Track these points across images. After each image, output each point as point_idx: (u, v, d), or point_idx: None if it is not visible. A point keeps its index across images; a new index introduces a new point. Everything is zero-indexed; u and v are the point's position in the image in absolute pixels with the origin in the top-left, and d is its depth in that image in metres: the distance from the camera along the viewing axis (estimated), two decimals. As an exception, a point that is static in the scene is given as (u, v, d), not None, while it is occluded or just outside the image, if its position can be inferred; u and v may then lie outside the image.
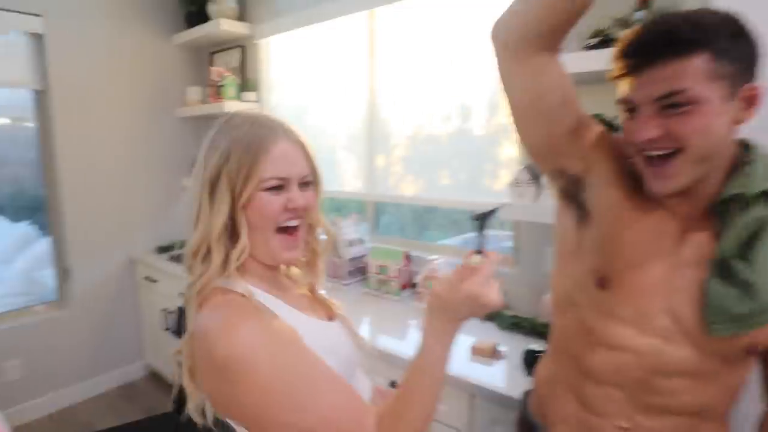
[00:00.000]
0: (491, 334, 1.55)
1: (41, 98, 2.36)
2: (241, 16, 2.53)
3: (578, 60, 1.30)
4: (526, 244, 1.71)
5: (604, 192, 0.77)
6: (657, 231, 0.74)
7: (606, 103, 1.31)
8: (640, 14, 1.27)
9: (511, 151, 1.76)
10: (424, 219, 2.46)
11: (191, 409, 0.71)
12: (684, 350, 0.72)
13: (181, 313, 1.92)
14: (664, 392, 0.74)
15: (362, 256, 2.10)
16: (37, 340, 2.39)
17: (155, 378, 2.75)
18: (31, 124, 2.41)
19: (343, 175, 2.32)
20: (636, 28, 0.69)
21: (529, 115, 0.78)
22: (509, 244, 1.79)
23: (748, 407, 0.84)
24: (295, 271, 0.86)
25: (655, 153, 0.68)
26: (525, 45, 0.72)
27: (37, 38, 2.28)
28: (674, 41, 0.64)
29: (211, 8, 2.46)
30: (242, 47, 2.62)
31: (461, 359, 1.40)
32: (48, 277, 2.55)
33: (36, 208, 2.63)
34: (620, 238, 0.75)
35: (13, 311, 2.40)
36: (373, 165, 2.17)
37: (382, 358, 1.44)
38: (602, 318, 0.77)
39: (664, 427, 0.76)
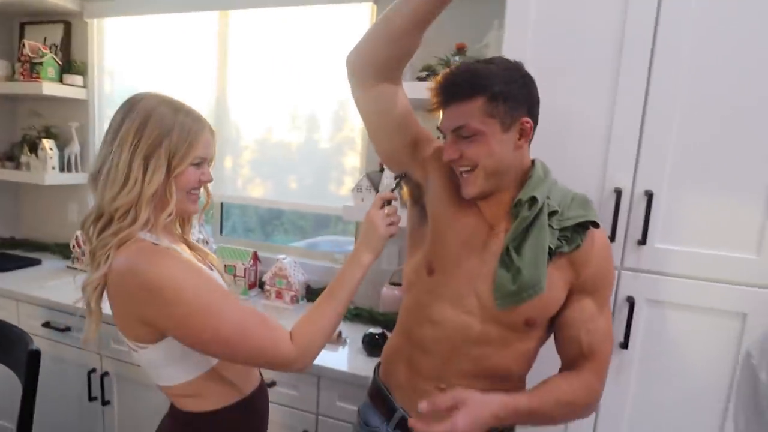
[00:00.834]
0: (335, 324, 1.71)
1: None
2: (66, -12, 2.25)
3: (411, 88, 1.55)
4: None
5: (436, 197, 0.96)
6: (472, 229, 0.92)
7: (431, 128, 1.62)
8: (456, 58, 1.59)
9: (354, 160, 1.97)
10: (270, 224, 2.52)
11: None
12: (485, 324, 0.90)
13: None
14: (472, 358, 0.92)
15: (207, 257, 2.06)
16: None
17: None
18: None
19: (186, 174, 2.23)
20: (446, 71, 0.90)
21: (376, 130, 0.98)
22: (352, 246, 1.99)
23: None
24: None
25: (459, 169, 0.89)
26: (369, 76, 0.90)
27: None
28: (462, 88, 0.84)
29: (27, -27, 2.13)
30: (67, 23, 2.31)
31: (308, 347, 1.52)
32: None
33: None
34: (444, 234, 0.94)
35: None
36: (220, 165, 2.16)
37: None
38: (430, 298, 0.95)
39: (470, 387, 0.93)
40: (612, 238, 1.12)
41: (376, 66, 0.89)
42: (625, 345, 1.15)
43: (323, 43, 1.95)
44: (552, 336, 0.96)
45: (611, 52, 1.11)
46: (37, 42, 2.21)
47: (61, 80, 2.23)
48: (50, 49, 2.25)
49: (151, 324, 0.81)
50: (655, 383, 1.17)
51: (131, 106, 0.86)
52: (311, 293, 1.94)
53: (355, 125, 1.95)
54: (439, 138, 1.01)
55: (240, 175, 2.16)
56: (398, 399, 1.00)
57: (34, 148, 2.25)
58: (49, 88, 2.14)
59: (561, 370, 0.94)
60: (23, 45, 2.14)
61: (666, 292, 1.13)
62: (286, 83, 2.02)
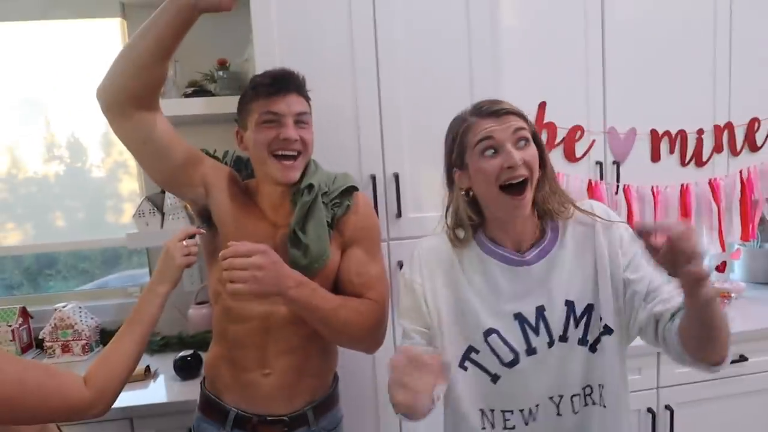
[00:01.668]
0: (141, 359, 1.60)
1: None
2: None
3: (178, 105, 1.56)
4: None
5: (222, 210, 1.03)
6: (259, 231, 1.01)
7: (206, 140, 1.64)
8: (220, 72, 1.64)
9: (132, 184, 1.84)
10: (41, 275, 2.14)
11: None
12: (282, 307, 0.99)
13: None
14: (284, 338, 1.01)
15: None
16: None
17: None
18: None
19: None
20: (269, 70, 1.01)
21: (142, 156, 1.00)
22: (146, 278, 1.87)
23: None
24: None
25: (286, 152, 0.98)
26: (124, 107, 0.92)
27: None
28: (300, 82, 1.01)
29: None
30: None
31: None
32: None
33: None
34: (235, 240, 0.99)
35: None
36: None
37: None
38: (235, 301, 1.01)
39: (291, 362, 1.03)
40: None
41: (129, 97, 0.91)
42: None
43: (74, 61, 1.76)
44: None
45: (346, 63, 1.33)
46: None
47: None
48: None
49: None
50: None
51: None
52: (106, 336, 1.76)
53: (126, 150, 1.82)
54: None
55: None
56: (229, 401, 1.05)
57: None
58: None
59: None
60: None
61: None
62: (37, 106, 1.76)
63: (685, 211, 1.76)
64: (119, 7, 1.72)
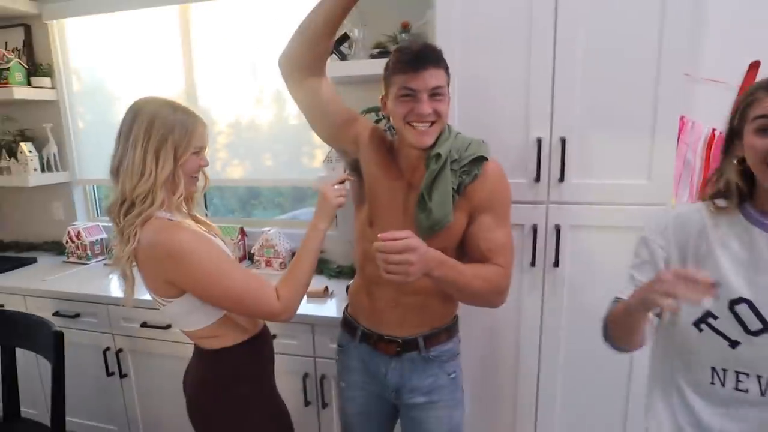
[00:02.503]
0: (322, 282, 1.95)
1: None
2: (21, -9, 2.30)
3: (366, 66, 1.76)
4: (339, 211, 2.15)
5: (368, 164, 1.17)
6: (396, 186, 1.15)
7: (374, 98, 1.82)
8: (403, 35, 1.79)
9: (322, 135, 2.16)
10: (249, 203, 2.69)
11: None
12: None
13: None
14: (411, 282, 1.12)
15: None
16: None
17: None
18: None
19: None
20: (407, 43, 1.09)
21: (311, 116, 1.19)
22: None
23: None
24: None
25: (421, 124, 1.05)
26: (296, 73, 1.11)
27: None
28: (437, 55, 1.05)
29: (-20, -20, 2.17)
30: (26, 26, 2.37)
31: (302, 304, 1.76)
32: None
33: None
34: (377, 193, 1.17)
35: None
36: (197, 151, 2.31)
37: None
38: (371, 244, 1.18)
39: (415, 301, 1.18)
40: (537, 178, 1.38)
41: (301, 65, 1.09)
42: (556, 263, 1.44)
43: (281, 27, 2.09)
44: None
45: (523, 24, 1.34)
46: (-3, 47, 2.27)
47: (29, 83, 2.31)
48: (14, 53, 2.31)
49: (174, 283, 1.04)
50: (583, 293, 1.45)
51: (138, 110, 1.06)
52: (296, 258, 2.17)
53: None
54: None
55: (218, 159, 2.32)
56: (362, 322, 1.26)
57: (11, 152, 2.35)
58: (19, 92, 2.22)
59: None
60: (-15, 51, 2.20)
61: (583, 217, 1.41)
62: (250, 67, 2.17)
63: None
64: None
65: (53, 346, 1.50)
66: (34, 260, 2.39)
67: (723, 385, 0.88)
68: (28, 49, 2.38)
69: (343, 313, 1.36)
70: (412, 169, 1.15)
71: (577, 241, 1.43)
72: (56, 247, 2.50)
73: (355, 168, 1.24)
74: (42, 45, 2.40)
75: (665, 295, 0.73)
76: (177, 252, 1.00)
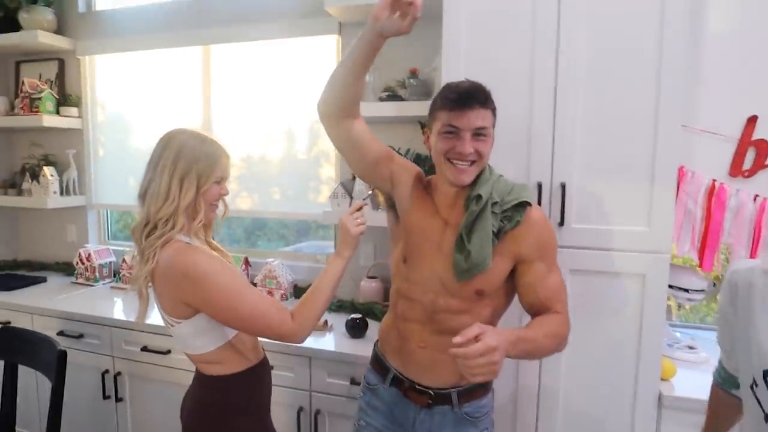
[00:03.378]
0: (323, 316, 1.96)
1: None
2: (59, 29, 2.47)
3: (375, 108, 1.83)
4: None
5: (403, 202, 1.19)
6: (432, 225, 1.15)
7: (393, 138, 1.90)
8: (411, 80, 1.87)
9: (329, 171, 2.23)
10: (253, 234, 2.75)
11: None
12: (446, 298, 1.12)
13: None
14: (440, 322, 1.13)
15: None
16: None
17: None
18: None
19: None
20: (457, 82, 1.09)
21: (347, 154, 1.23)
22: (331, 249, 2.24)
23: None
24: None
25: (461, 162, 1.07)
26: (332, 116, 1.14)
27: None
28: (486, 96, 1.06)
29: (23, 17, 2.34)
30: (60, 60, 2.53)
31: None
32: None
33: None
34: (412, 231, 1.17)
35: None
36: (210, 182, 2.38)
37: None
38: (406, 283, 1.18)
39: (445, 342, 1.11)
40: (536, 221, 1.41)
41: (337, 108, 1.12)
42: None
43: (295, 69, 2.22)
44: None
45: (525, 75, 1.41)
46: (33, 78, 2.42)
47: (58, 112, 2.44)
48: (47, 84, 2.45)
49: (189, 303, 1.07)
50: (582, 335, 1.42)
51: (168, 140, 1.13)
52: (298, 291, 2.19)
53: (329, 141, 2.20)
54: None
55: (229, 190, 2.38)
56: (392, 362, 1.22)
57: (34, 175, 2.45)
58: (49, 120, 2.35)
59: None
60: (23, 82, 2.35)
61: (584, 262, 1.42)
62: (264, 106, 2.28)
63: None
64: (337, 26, 2.09)
65: (56, 365, 1.52)
66: (44, 279, 2.44)
67: None
68: (59, 80, 2.53)
69: (374, 349, 1.31)
70: (449, 206, 1.16)
71: (576, 286, 1.43)
72: (67, 268, 2.56)
73: (391, 205, 1.26)
74: (73, 77, 2.56)
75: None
76: (192, 272, 1.04)
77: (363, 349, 1.64)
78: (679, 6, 1.30)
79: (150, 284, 1.11)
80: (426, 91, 1.86)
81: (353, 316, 1.79)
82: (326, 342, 1.74)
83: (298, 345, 1.63)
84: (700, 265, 1.62)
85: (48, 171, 2.42)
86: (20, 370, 1.71)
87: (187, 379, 1.24)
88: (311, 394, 1.70)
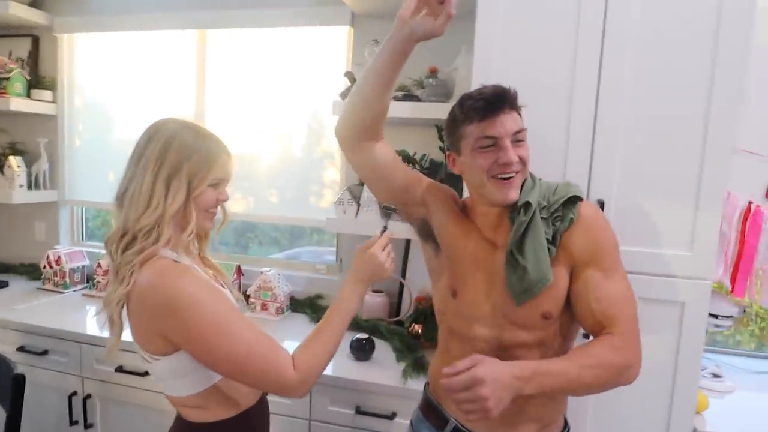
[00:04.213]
0: (321, 331, 1.79)
1: None
2: (35, 2, 2.22)
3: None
4: (349, 254, 2.03)
5: (443, 228, 1.06)
6: (479, 249, 1.01)
7: (407, 142, 1.76)
8: (430, 80, 1.73)
9: (334, 174, 2.07)
10: (243, 236, 2.56)
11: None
12: (510, 331, 0.97)
13: None
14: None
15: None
16: None
17: None
18: None
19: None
20: (477, 89, 0.97)
21: (371, 181, 1.11)
22: (332, 256, 2.08)
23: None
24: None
25: (504, 174, 0.93)
26: (353, 139, 1.04)
27: None
28: (513, 98, 0.94)
29: (-7, -13, 2.09)
30: (35, 38, 2.28)
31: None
32: None
33: None
34: (458, 259, 1.02)
35: None
36: (199, 180, 2.19)
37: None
38: (459, 320, 1.03)
39: None
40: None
41: (357, 129, 1.02)
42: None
43: (300, 61, 2.04)
44: None
45: (565, 84, 1.28)
46: (1, 56, 2.17)
47: (29, 95, 2.19)
48: (17, 63, 2.21)
49: (167, 338, 0.87)
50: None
51: (156, 130, 0.93)
52: (295, 304, 2.01)
53: (334, 141, 2.04)
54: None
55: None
56: (451, 411, 1.05)
57: (-1, 165, 2.20)
58: (17, 103, 2.10)
59: None
60: (-13, 59, 2.10)
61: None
62: (263, 100, 2.09)
63: None
64: (350, 16, 1.93)
65: (11, 391, 1.31)
66: (5, 284, 2.18)
67: None
68: (32, 60, 2.28)
69: (425, 393, 1.15)
70: (494, 227, 1.02)
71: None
72: (33, 271, 2.30)
73: (427, 234, 1.11)
74: (48, 57, 2.31)
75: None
76: (174, 301, 0.83)
77: (370, 373, 1.50)
78: (735, 17, 1.19)
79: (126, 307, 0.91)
80: (445, 92, 1.72)
81: (358, 336, 1.63)
82: (328, 367, 1.58)
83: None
84: (732, 291, 1.53)
85: (14, 161, 2.17)
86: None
87: (169, 405, 1.04)
88: (311, 423, 1.53)
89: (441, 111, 1.68)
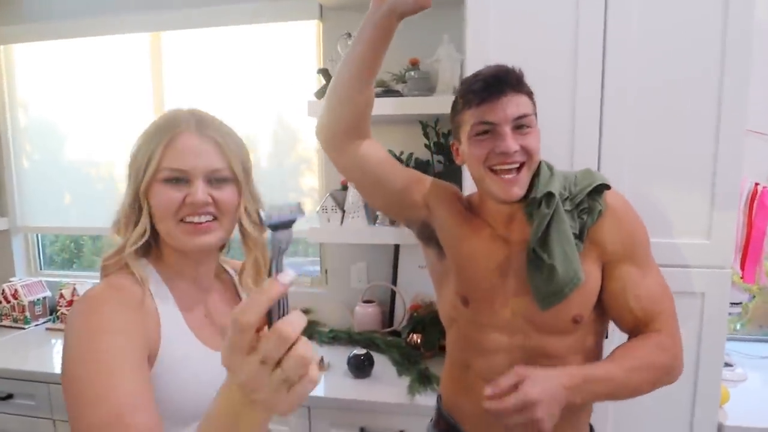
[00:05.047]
0: (314, 350, 1.66)
1: None
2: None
3: (371, 106, 1.56)
4: (334, 264, 1.90)
5: (447, 229, 0.95)
6: (491, 249, 0.90)
7: (389, 141, 1.63)
8: (411, 72, 1.61)
9: (312, 181, 1.93)
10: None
11: None
12: (536, 338, 0.88)
13: None
14: None
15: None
16: None
17: None
18: None
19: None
20: (478, 70, 0.85)
21: (364, 185, 0.98)
22: (316, 267, 1.95)
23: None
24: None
25: (505, 167, 0.82)
26: (337, 140, 0.93)
27: None
28: (516, 78, 0.83)
29: None
30: (-34, 52, 2.06)
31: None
32: None
33: None
34: (466, 263, 0.92)
35: None
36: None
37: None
38: (475, 329, 0.92)
39: None
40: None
41: (341, 129, 0.92)
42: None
43: (267, 61, 1.89)
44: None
45: (567, 65, 1.19)
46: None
47: (-36, 114, 1.98)
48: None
49: None
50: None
51: None
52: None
53: (310, 145, 1.91)
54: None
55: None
56: (467, 426, 0.97)
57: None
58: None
59: None
60: None
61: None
62: (228, 105, 1.93)
63: None
64: (318, 9, 1.79)
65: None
66: (-44, 325, 1.97)
67: None
68: (-34, 75, 2.06)
69: (438, 407, 1.06)
70: (506, 222, 0.91)
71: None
72: (-15, 308, 2.09)
73: (428, 237, 1.00)
74: (-16, 71, 2.08)
75: None
76: (67, 330, 0.66)
77: (372, 391, 1.40)
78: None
79: None
80: (428, 86, 1.61)
81: (355, 352, 1.51)
82: (325, 386, 1.45)
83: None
84: (742, 277, 1.47)
85: (-45, 189, 1.95)
86: None
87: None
88: (312, 451, 1.41)
89: (425, 106, 1.57)
